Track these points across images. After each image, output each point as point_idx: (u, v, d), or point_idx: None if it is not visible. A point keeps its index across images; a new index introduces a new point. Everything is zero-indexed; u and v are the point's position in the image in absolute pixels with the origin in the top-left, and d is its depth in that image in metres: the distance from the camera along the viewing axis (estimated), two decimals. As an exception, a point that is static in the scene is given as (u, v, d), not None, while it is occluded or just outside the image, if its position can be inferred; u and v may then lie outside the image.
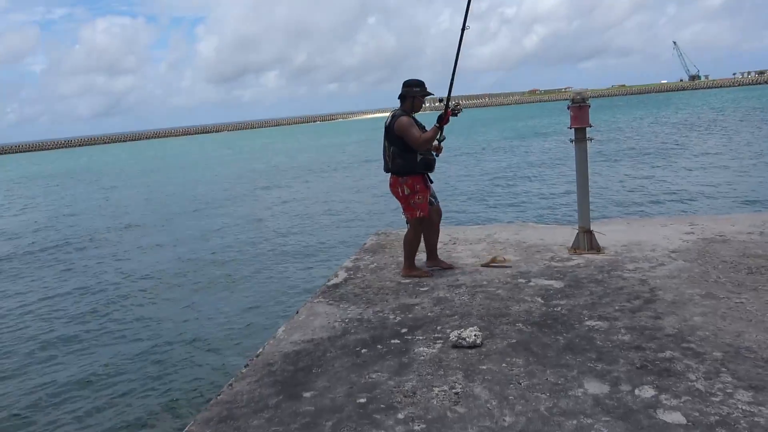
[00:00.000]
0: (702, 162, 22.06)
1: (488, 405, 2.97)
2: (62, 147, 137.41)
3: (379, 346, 3.87)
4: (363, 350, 3.83)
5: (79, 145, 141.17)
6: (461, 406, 2.99)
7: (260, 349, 4.10)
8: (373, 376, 3.44)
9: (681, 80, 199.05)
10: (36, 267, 13.97)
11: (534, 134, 47.33)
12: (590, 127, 5.65)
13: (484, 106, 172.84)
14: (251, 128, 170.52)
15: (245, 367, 3.84)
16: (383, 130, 5.29)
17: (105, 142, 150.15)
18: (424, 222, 5.40)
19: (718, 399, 2.84)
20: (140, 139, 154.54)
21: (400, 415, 2.95)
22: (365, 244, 7.04)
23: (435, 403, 3.05)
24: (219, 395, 3.45)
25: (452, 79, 5.14)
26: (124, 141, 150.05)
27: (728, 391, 2.91)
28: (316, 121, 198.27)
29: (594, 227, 5.88)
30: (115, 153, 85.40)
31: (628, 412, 2.79)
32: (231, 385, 3.56)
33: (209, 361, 7.54)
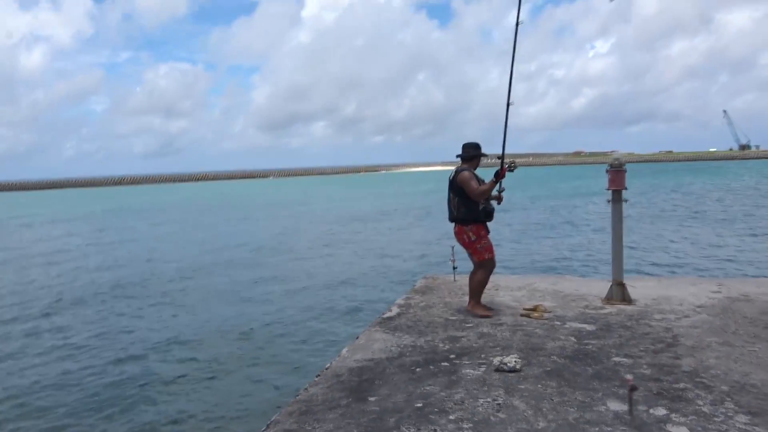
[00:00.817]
0: (750, 229, 22.07)
1: (525, 413, 3.58)
2: (115, 184, 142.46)
3: (431, 367, 4.51)
4: (417, 369, 4.48)
5: (131, 184, 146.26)
6: (502, 413, 3.61)
7: (328, 364, 4.79)
8: (427, 388, 4.08)
9: (731, 149, 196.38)
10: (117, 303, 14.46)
11: (576, 194, 47.63)
12: (625, 189, 6.28)
13: (528, 165, 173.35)
14: (296, 175, 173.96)
15: (317, 376, 4.52)
16: (447, 183, 6.09)
17: (156, 182, 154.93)
18: (490, 264, 6.04)
19: (719, 419, 3.40)
20: (189, 180, 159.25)
21: (452, 417, 3.58)
22: (415, 285, 7.72)
23: (480, 409, 3.67)
24: (297, 396, 4.14)
25: (503, 146, 5.96)
26: (173, 182, 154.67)
27: (729, 414, 3.46)
28: (360, 171, 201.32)
29: (627, 281, 6.44)
30: (173, 192, 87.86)
31: (642, 425, 3.36)
32: (306, 389, 4.24)
33: (282, 373, 8.49)
